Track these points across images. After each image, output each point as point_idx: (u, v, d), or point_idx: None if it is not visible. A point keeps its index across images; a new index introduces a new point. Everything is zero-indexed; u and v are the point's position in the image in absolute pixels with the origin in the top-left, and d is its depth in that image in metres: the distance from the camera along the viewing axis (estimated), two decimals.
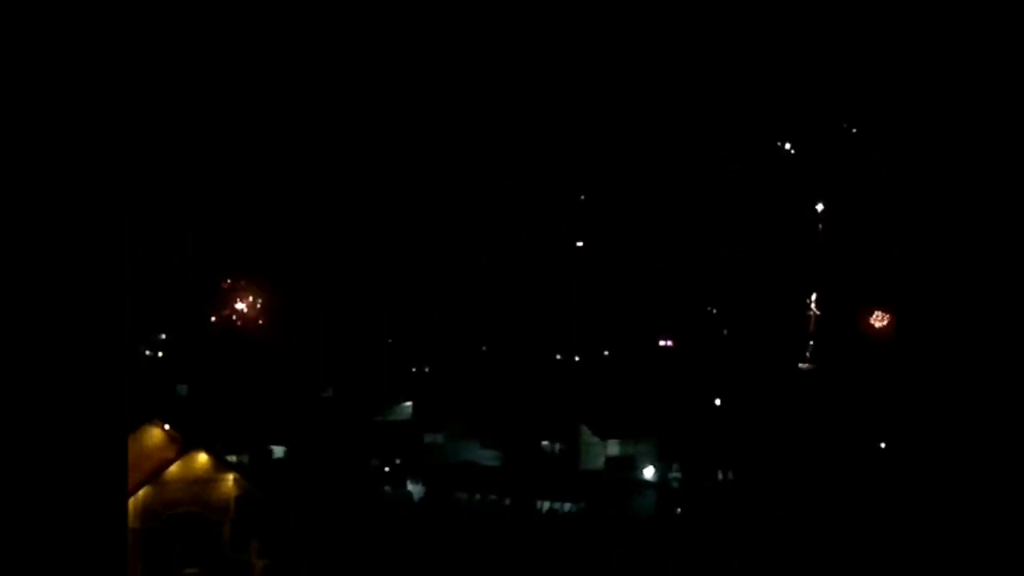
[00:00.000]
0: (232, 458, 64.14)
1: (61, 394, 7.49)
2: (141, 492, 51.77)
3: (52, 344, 7.47)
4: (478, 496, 69.58)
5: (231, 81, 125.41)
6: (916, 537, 59.55)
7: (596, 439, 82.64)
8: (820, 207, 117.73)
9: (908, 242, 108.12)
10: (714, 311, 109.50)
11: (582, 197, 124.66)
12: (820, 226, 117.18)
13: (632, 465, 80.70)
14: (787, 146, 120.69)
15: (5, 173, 7.45)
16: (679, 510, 69.83)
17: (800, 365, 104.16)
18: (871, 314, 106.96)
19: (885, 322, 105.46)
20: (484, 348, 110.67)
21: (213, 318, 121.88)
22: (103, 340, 7.63)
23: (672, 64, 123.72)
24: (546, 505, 68.19)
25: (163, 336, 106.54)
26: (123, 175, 7.76)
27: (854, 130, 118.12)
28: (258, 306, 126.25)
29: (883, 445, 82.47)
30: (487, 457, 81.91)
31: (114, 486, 7.71)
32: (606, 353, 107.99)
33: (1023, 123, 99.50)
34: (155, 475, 52.88)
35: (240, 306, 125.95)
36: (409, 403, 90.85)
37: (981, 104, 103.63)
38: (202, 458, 55.40)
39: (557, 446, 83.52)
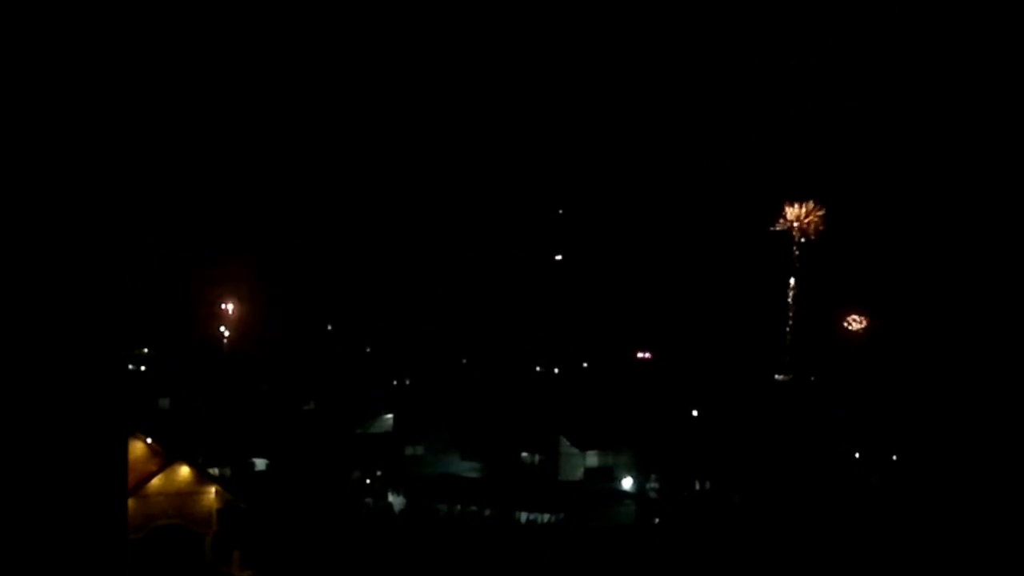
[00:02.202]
0: (214, 471, 64.61)
1: (63, 403, 7.93)
2: None
3: (55, 354, 7.89)
4: (458, 507, 69.95)
5: (224, 85, 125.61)
6: (896, 544, 60.28)
7: (575, 450, 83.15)
8: (795, 221, 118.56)
9: (887, 252, 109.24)
10: (691, 324, 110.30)
11: (560, 211, 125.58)
12: (796, 238, 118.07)
13: (611, 476, 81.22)
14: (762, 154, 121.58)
15: (11, 188, 7.82)
16: (657, 520, 70.35)
17: (776, 376, 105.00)
18: (847, 321, 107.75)
19: (862, 326, 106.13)
20: (464, 361, 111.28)
21: (195, 332, 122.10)
22: (103, 350, 8.03)
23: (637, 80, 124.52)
24: (525, 516, 68.62)
25: (145, 350, 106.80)
26: (126, 190, 8.10)
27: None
28: (240, 319, 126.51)
29: (858, 455, 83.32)
30: (467, 469, 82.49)
31: (114, 493, 8.23)
32: (584, 365, 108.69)
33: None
34: (137, 488, 53.35)
35: (222, 320, 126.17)
36: (390, 416, 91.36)
37: (979, 111, 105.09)
38: (184, 471, 55.92)
39: (536, 457, 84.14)
